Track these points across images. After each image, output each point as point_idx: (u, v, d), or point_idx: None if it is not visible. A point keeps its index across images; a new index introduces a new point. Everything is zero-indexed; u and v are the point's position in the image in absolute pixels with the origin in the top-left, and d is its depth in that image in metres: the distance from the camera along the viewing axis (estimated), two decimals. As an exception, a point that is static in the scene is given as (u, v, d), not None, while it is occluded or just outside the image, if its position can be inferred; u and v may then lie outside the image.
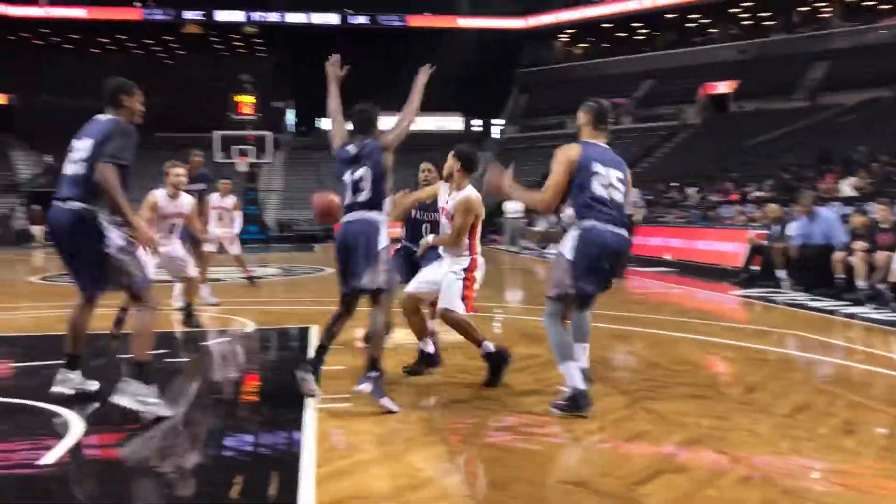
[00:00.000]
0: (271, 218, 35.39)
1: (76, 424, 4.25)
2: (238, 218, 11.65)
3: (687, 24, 44.91)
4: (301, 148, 42.61)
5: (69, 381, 4.80)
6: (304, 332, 7.38)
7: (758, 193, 20.46)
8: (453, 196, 5.46)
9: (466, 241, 5.41)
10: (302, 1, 46.03)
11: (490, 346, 5.33)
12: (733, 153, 30.38)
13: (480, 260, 5.49)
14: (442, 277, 5.39)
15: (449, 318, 5.31)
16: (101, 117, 4.72)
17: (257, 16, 45.63)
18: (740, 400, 4.89)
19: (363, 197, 4.84)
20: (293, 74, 48.65)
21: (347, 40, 45.74)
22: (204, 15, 45.23)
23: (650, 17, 45.05)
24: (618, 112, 40.91)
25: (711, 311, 10.08)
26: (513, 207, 22.18)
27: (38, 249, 26.63)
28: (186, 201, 7.59)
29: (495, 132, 49.36)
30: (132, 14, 44.81)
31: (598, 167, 4.61)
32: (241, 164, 31.36)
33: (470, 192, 5.39)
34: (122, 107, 4.72)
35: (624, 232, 4.68)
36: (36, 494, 3.37)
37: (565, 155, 4.68)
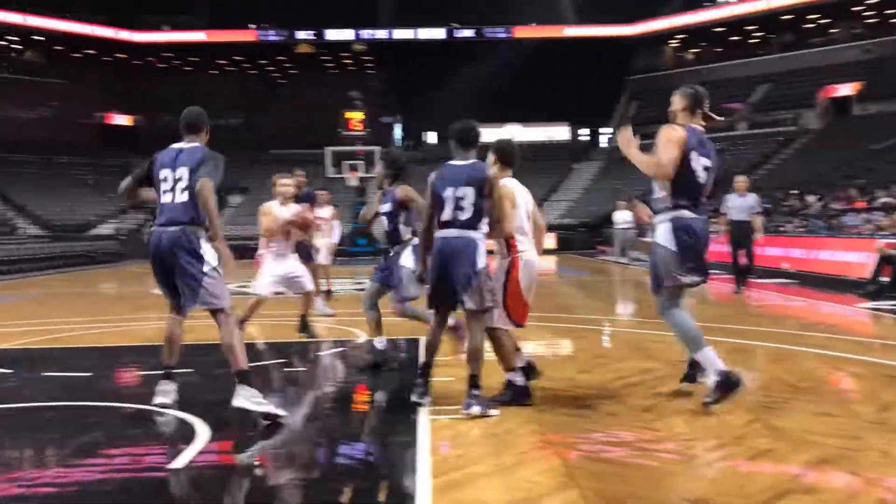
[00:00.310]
0: (380, 231, 36.04)
1: (202, 430, 4.43)
2: (337, 228, 11.90)
3: (805, 25, 43.10)
4: (408, 162, 43.24)
5: (169, 392, 5.02)
6: (413, 343, 7.46)
7: (885, 200, 19.37)
8: None
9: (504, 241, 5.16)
10: (409, 17, 46.85)
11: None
12: (857, 158, 28.90)
13: (524, 260, 5.14)
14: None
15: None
16: (188, 146, 4.93)
17: (366, 33, 46.70)
18: (872, 419, 4.61)
19: (465, 216, 4.87)
20: (400, 89, 49.55)
21: (453, 54, 46.32)
22: (315, 34, 46.66)
23: (765, 19, 43.49)
24: (733, 118, 39.64)
25: (836, 324, 9.58)
26: (622, 217, 21.77)
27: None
28: (295, 210, 7.86)
29: (603, 141, 48.72)
30: (248, 36, 46.71)
31: (696, 154, 4.75)
32: (352, 179, 32.13)
33: (505, 181, 5.18)
34: (203, 133, 5.02)
35: (707, 217, 4.87)
36: (166, 498, 3.53)
37: (675, 134, 4.75)
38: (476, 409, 4.65)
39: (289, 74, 50.70)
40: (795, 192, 25.77)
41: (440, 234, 4.92)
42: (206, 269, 4.71)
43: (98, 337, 8.83)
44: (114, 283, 20.12)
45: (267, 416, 4.57)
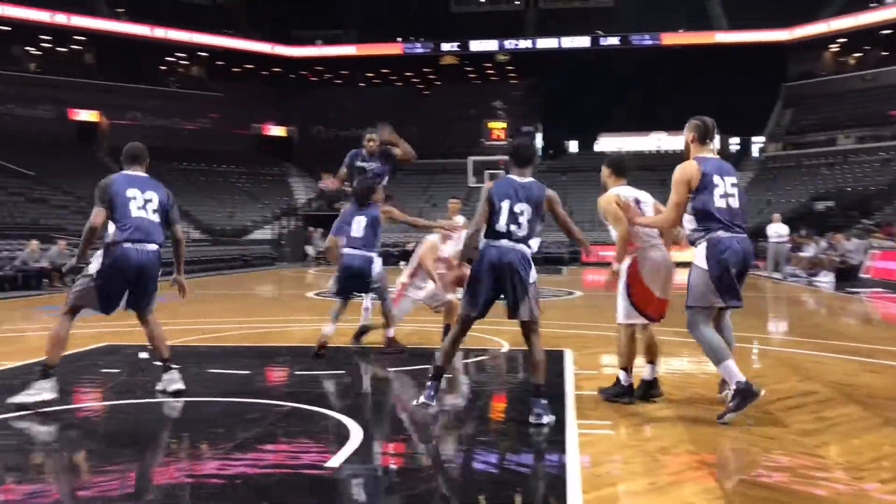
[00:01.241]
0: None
1: (356, 430, 4.57)
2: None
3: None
4: (548, 171, 43.06)
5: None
6: (557, 355, 7.39)
7: None
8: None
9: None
10: (553, 26, 46.70)
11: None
12: None
13: (643, 256, 5.36)
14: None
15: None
16: (143, 175, 5.80)
17: (510, 43, 46.89)
18: None
19: (521, 232, 5.00)
20: (542, 98, 49.44)
21: (597, 62, 45.76)
22: (459, 46, 47.33)
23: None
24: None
25: None
26: (775, 230, 20.75)
27: (312, 267, 29.19)
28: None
29: (755, 151, 46.69)
30: (394, 49, 48.00)
31: (716, 179, 4.93)
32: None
33: (616, 189, 5.61)
34: (143, 165, 5.90)
35: (745, 236, 4.97)
36: (324, 496, 3.66)
37: (684, 174, 5.00)
38: (546, 419, 4.76)
39: (433, 85, 51.70)
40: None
41: (494, 244, 5.00)
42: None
43: (255, 337, 9.30)
44: (268, 286, 21.14)
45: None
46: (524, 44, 46.98)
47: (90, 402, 5.72)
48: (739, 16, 44.77)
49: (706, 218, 4.91)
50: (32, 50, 44.60)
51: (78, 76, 43.78)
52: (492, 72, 51.69)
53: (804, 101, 43.02)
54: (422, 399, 5.08)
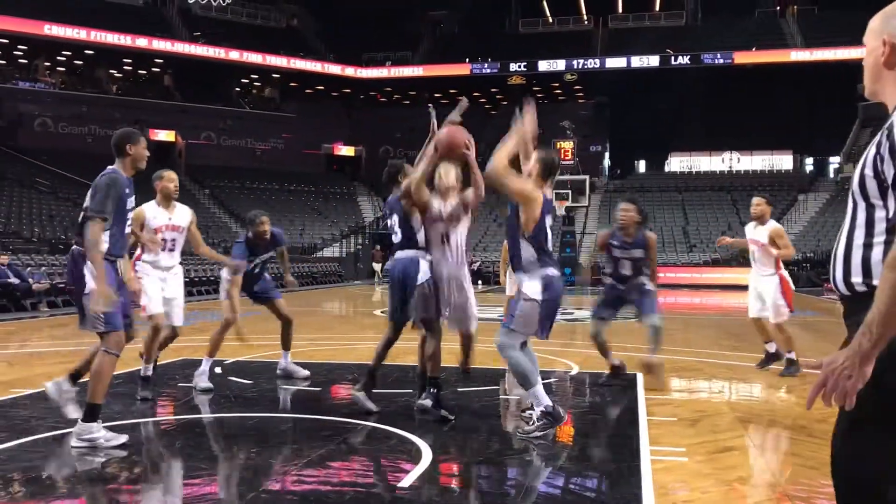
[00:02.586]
0: (585, 260, 35.75)
1: (426, 450, 4.58)
2: None
3: None
4: (615, 191, 42.68)
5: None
6: (628, 378, 7.28)
7: None
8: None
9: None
10: (621, 45, 46.40)
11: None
12: None
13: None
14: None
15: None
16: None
17: (578, 63, 46.75)
18: None
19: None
20: (611, 118, 49.07)
21: (667, 81, 45.21)
22: (527, 66, 47.39)
23: None
24: None
25: None
26: None
27: (377, 285, 29.48)
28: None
29: (831, 171, 45.39)
30: (462, 70, 48.33)
31: (548, 219, 5.16)
32: (559, 208, 32.13)
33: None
34: (124, 156, 5.04)
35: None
36: (396, 514, 3.67)
37: (536, 191, 5.04)
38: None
39: (500, 105, 51.85)
40: None
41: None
42: (86, 290, 4.76)
43: (324, 353, 9.42)
44: (336, 303, 21.40)
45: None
46: (592, 63, 46.75)
47: (166, 415, 5.86)
48: (815, 34, 43.75)
49: (540, 251, 5.09)
50: (114, 72, 46.47)
51: (156, 97, 45.38)
52: (559, 91, 51.59)
53: (883, 120, 41.68)
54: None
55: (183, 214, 6.38)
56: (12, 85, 41.94)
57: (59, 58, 44.29)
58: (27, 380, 6.99)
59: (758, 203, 8.05)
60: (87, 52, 43.49)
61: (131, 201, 5.14)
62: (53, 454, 4.61)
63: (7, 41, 41.16)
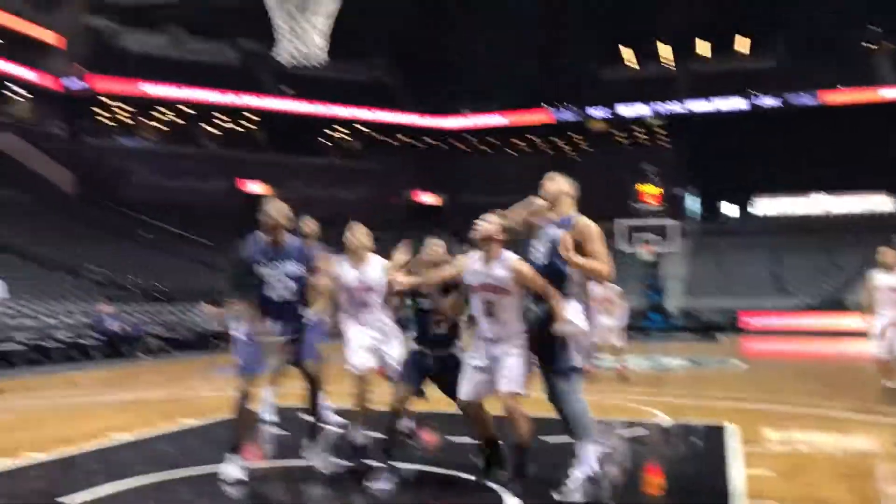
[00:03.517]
0: (674, 306, 34.97)
1: (509, 501, 4.56)
2: (625, 308, 11.68)
3: None
4: (703, 234, 41.77)
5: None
6: (716, 431, 7.07)
7: None
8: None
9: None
10: (705, 88, 45.86)
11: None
12: None
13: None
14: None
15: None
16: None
17: (661, 107, 46.41)
18: None
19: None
20: (696, 161, 48.27)
21: (753, 123, 44.33)
22: (609, 111, 47.35)
23: None
24: None
25: None
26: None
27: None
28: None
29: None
30: (543, 116, 48.62)
31: None
32: (645, 254, 31.68)
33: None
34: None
35: None
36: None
37: (599, 231, 4.90)
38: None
39: (582, 150, 51.77)
40: None
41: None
42: None
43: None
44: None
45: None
46: (676, 107, 46.33)
47: (255, 464, 5.98)
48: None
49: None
50: (208, 128, 48.63)
51: (247, 150, 47.19)
52: (642, 135, 51.20)
53: None
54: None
55: None
56: (117, 143, 44.33)
57: (159, 116, 46.67)
58: (126, 426, 7.27)
59: (885, 252, 9.12)
60: (185, 109, 45.72)
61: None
62: (153, 499, 4.78)
63: (111, 101, 43.68)
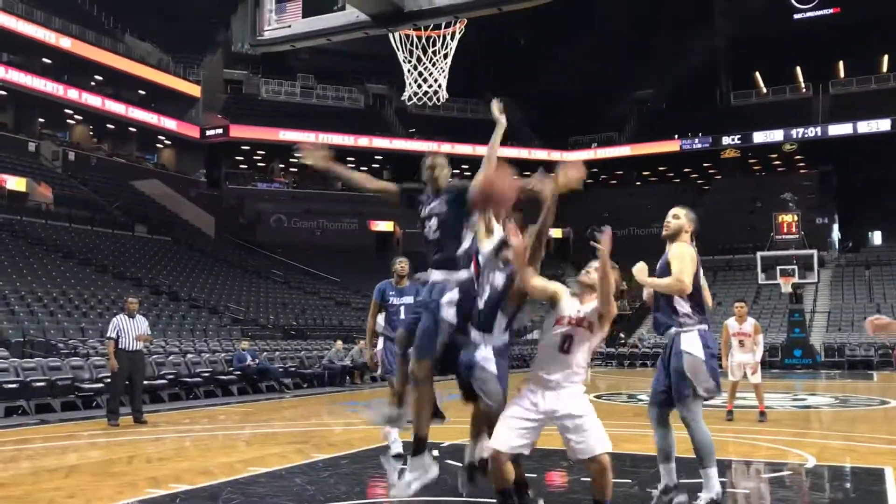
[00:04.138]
0: (818, 341, 33.00)
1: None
2: (760, 343, 11.10)
3: None
4: (847, 265, 39.40)
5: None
6: (874, 473, 6.54)
7: None
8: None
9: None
10: (845, 111, 43.63)
11: None
12: None
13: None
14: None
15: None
16: None
17: (797, 132, 44.47)
18: None
19: None
20: (837, 188, 45.79)
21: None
22: (741, 139, 45.79)
23: None
24: None
25: None
26: None
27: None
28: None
29: None
30: (671, 146, 47.48)
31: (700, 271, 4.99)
32: (785, 286, 30.15)
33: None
34: None
35: None
36: None
37: (691, 251, 4.96)
38: None
39: (713, 180, 50.16)
40: None
41: None
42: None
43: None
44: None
45: None
46: (813, 131, 44.23)
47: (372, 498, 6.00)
48: None
49: (697, 304, 4.99)
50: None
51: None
52: (778, 162, 49.13)
53: None
54: None
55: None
56: (252, 186, 46.62)
57: (291, 159, 48.77)
58: (262, 458, 7.49)
59: None
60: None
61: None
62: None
63: (249, 147, 46.07)
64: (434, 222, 5.08)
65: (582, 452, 4.19)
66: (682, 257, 4.94)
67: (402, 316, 7.39)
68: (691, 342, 4.89)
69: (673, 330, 5.01)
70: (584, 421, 4.24)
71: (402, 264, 7.69)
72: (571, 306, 4.44)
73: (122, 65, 38.64)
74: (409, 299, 7.29)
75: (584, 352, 4.42)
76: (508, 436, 4.26)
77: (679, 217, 5.22)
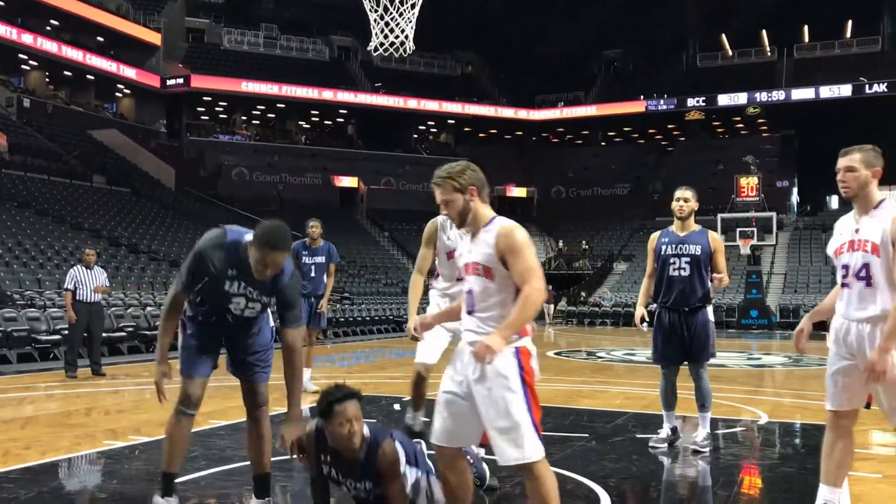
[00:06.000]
0: (774, 302, 33.73)
1: (605, 498, 4.44)
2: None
3: None
4: (805, 228, 40.14)
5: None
6: (823, 429, 6.71)
7: None
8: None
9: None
10: (808, 75, 44.04)
11: None
12: None
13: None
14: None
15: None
16: None
17: (761, 96, 44.84)
18: None
19: None
20: (798, 152, 46.40)
21: (860, 111, 42.25)
22: (706, 101, 46.04)
23: None
24: None
25: None
26: None
27: (549, 326, 29.22)
28: None
29: None
30: (636, 107, 47.62)
31: None
32: (744, 247, 30.65)
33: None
34: None
35: None
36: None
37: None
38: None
39: (677, 141, 50.51)
40: None
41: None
42: None
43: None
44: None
45: None
46: (777, 95, 44.64)
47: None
48: None
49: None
50: (303, 124, 49.72)
51: (340, 146, 48.02)
52: (741, 126, 49.57)
53: None
54: None
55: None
56: (213, 138, 45.83)
57: (254, 112, 47.99)
58: (223, 412, 7.47)
59: None
60: (278, 105, 46.87)
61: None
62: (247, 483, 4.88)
63: (211, 98, 45.18)
64: None
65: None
66: (724, 251, 6.06)
67: (314, 275, 8.58)
68: (711, 314, 5.93)
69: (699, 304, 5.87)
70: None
71: (314, 228, 8.74)
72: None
73: (79, 9, 37.46)
74: (320, 259, 8.68)
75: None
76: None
77: (689, 200, 5.95)
